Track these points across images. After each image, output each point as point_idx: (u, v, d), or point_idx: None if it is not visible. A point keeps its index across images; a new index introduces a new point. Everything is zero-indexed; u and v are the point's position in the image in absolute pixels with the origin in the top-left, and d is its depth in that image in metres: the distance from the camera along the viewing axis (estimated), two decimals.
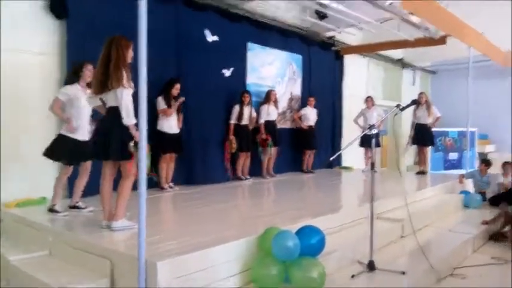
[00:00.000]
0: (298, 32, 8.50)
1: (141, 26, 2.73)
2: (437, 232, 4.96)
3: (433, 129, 8.33)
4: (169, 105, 5.62)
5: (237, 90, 6.93)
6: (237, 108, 6.76)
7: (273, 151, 7.29)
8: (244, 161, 6.95)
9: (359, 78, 10.54)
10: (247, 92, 6.90)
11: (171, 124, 5.67)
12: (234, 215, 4.50)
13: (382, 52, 10.52)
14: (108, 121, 3.56)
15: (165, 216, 4.58)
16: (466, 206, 6.49)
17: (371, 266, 3.54)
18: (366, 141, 7.87)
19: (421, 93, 8.17)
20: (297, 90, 8.57)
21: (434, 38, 8.36)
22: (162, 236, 3.40)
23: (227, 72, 7.00)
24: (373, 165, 3.73)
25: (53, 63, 5.11)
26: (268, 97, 7.31)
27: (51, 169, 5.03)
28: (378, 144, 8.39)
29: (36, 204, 4.60)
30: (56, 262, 3.35)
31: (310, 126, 8.12)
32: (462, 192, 6.80)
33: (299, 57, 8.61)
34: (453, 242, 4.52)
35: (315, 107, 8.26)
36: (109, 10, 5.33)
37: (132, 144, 3.45)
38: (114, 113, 3.46)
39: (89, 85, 4.16)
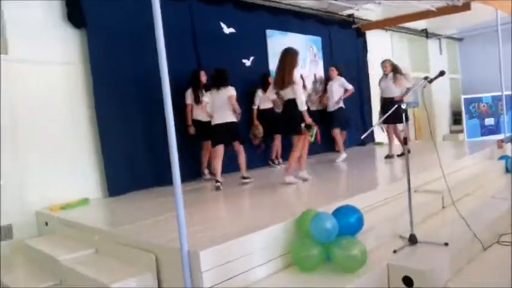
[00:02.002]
0: (316, 14, 8.38)
1: (157, 24, 2.76)
2: (480, 200, 4.83)
3: (466, 96, 7.86)
4: (197, 96, 5.70)
5: (261, 78, 6.90)
6: (259, 92, 6.66)
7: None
8: (277, 145, 6.88)
9: (384, 53, 10.28)
10: (270, 75, 6.70)
11: (203, 113, 5.65)
12: (268, 200, 4.51)
13: (405, 24, 10.23)
14: (288, 109, 4.95)
15: (200, 207, 4.64)
16: (508, 171, 6.28)
17: (413, 240, 3.48)
18: (327, 119, 7.29)
19: (384, 62, 6.78)
20: (320, 72, 8.48)
21: (457, 4, 8.05)
22: (202, 226, 3.47)
23: (247, 62, 7.01)
24: (405, 140, 3.66)
25: (78, 72, 5.25)
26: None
27: (91, 171, 5.25)
28: (344, 125, 7.38)
29: (79, 206, 4.80)
30: (103, 259, 3.48)
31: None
32: (502, 157, 6.57)
33: (318, 39, 8.50)
34: (497, 209, 4.39)
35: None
36: (125, 14, 5.42)
37: (303, 125, 4.78)
38: (292, 103, 4.84)
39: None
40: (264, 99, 6.58)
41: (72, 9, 5.13)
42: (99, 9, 5.23)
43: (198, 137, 5.90)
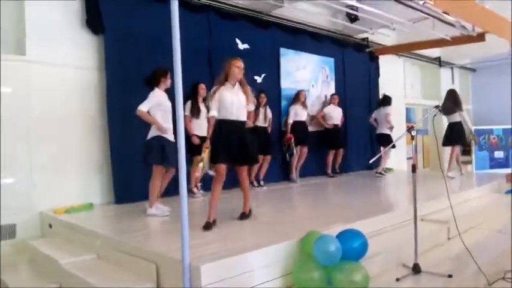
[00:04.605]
0: (331, 36, 8.47)
1: (175, 35, 2.78)
2: (486, 234, 4.78)
3: (477, 127, 7.99)
4: (197, 109, 5.66)
5: (271, 96, 6.94)
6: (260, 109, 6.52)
7: (301, 151, 7.23)
8: (261, 164, 6.58)
9: (395, 79, 10.35)
10: (263, 92, 6.66)
11: (202, 128, 5.56)
12: (272, 219, 4.50)
13: (418, 51, 10.28)
14: (455, 127, 7.28)
15: (203, 221, 4.63)
16: None
17: (416, 269, 3.45)
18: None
19: (233, 61, 4.04)
20: (331, 93, 8.50)
21: (472, 35, 8.09)
22: (204, 239, 3.46)
23: (259, 79, 7.05)
24: (414, 168, 3.64)
25: (92, 78, 5.32)
26: (297, 97, 7.30)
27: (98, 176, 5.31)
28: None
29: (83, 210, 4.81)
30: (104, 265, 3.48)
31: (335, 125, 7.93)
32: (509, 191, 6.50)
33: (331, 60, 8.56)
34: (504, 244, 4.33)
35: (339, 106, 8.12)
36: (144, 23, 5.51)
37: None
38: (458, 124, 7.25)
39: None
40: (259, 117, 6.47)
41: (92, 15, 5.23)
42: (118, 17, 5.33)
43: (191, 151, 5.36)
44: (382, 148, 7.98)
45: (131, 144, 5.31)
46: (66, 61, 5.09)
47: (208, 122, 4.09)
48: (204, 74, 6.21)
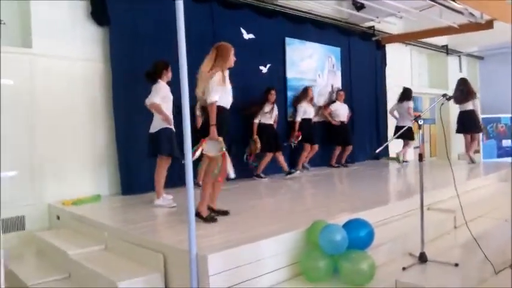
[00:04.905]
0: (337, 24, 8.39)
1: (180, 26, 2.76)
2: (493, 223, 4.74)
3: (485, 116, 8.05)
4: None
5: (277, 86, 6.90)
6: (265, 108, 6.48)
7: (311, 148, 7.23)
8: (278, 160, 6.66)
9: (402, 67, 10.27)
10: (274, 89, 6.57)
11: None
12: (278, 209, 4.51)
13: (425, 39, 10.17)
14: (466, 115, 7.59)
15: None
16: None
17: (422, 258, 3.44)
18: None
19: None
20: (337, 82, 8.46)
21: (480, 22, 7.98)
22: (211, 229, 3.48)
23: (264, 69, 7.01)
24: (421, 157, 3.62)
25: (97, 70, 5.33)
26: (306, 94, 7.19)
27: (105, 168, 5.35)
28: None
29: (91, 202, 4.85)
30: (112, 256, 3.51)
31: (342, 122, 7.89)
32: None
33: (337, 49, 8.49)
34: (510, 233, 4.31)
35: (345, 101, 8.07)
36: (149, 15, 5.49)
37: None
38: (470, 111, 7.55)
39: None
40: (266, 115, 6.46)
41: (97, 7, 5.22)
42: (123, 8, 5.32)
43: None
44: (401, 140, 8.08)
45: (137, 136, 5.33)
46: (71, 54, 5.10)
47: (211, 107, 3.61)
48: None
